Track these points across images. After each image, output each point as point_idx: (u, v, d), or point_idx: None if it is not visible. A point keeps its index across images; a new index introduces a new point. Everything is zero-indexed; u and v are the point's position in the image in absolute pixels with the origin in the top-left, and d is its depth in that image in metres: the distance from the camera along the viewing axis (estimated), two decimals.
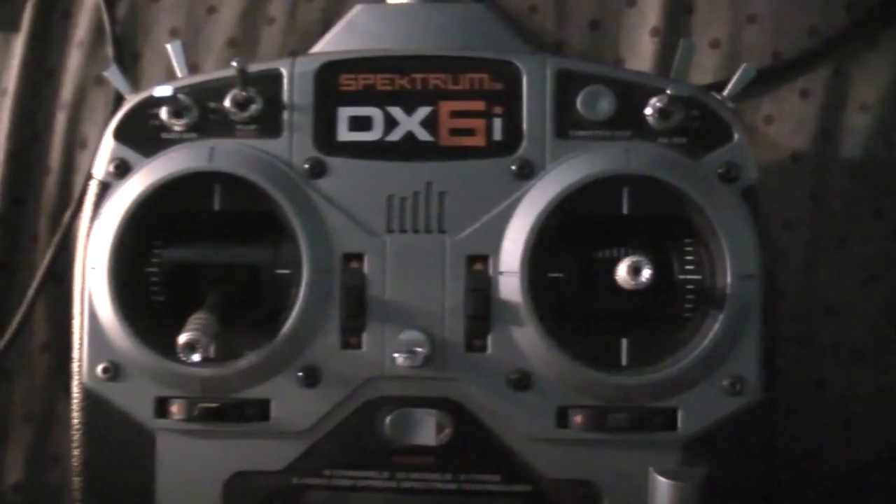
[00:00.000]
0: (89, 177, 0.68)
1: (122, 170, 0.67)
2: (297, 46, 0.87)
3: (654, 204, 0.65)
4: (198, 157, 0.66)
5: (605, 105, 0.65)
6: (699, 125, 0.65)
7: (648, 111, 0.65)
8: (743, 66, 0.66)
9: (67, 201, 0.87)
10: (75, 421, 0.67)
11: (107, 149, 0.68)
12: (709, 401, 0.64)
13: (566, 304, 0.65)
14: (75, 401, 0.67)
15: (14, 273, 0.88)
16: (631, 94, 0.66)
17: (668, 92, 0.64)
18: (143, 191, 0.65)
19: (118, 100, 0.82)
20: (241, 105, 0.67)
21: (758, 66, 0.73)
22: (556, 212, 0.64)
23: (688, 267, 0.65)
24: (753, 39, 0.85)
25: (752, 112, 0.84)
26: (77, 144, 0.89)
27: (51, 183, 0.88)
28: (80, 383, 0.67)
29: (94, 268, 0.66)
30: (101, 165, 0.68)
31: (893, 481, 0.80)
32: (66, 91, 0.89)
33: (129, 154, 0.67)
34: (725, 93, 0.67)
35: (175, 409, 0.65)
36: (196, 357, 0.60)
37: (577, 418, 0.64)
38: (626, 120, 0.65)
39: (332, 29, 0.76)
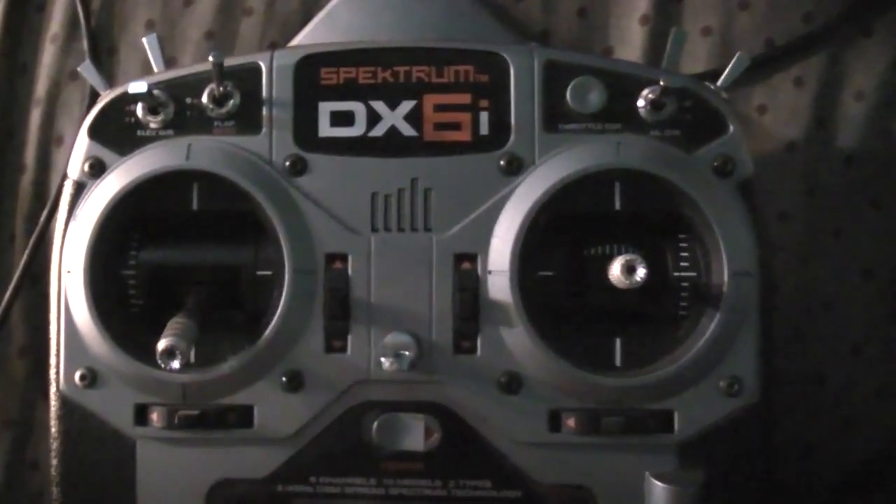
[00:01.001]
0: (65, 176, 0.67)
1: (97, 169, 0.66)
2: (277, 39, 0.85)
3: (647, 199, 0.64)
4: (174, 156, 0.65)
5: (596, 97, 0.64)
6: (693, 117, 0.64)
7: (640, 103, 0.64)
8: (737, 55, 0.66)
9: (44, 200, 0.86)
10: (53, 429, 0.66)
11: (81, 147, 0.67)
12: (706, 402, 0.63)
13: (557, 303, 0.64)
14: (53, 408, 0.66)
15: None
16: (622, 85, 0.65)
17: (661, 83, 0.62)
18: (118, 191, 0.64)
19: (94, 95, 0.80)
20: (218, 101, 0.66)
21: (750, 54, 0.72)
22: (545, 208, 0.63)
23: (682, 264, 0.64)
24: (746, 26, 0.84)
25: (744, 101, 0.83)
26: (53, 141, 0.87)
27: (26, 181, 0.87)
28: (58, 391, 0.66)
29: (69, 271, 0.65)
30: (75, 165, 0.67)
31: (893, 480, 0.79)
32: (41, 87, 0.88)
33: (104, 153, 0.66)
34: (719, 83, 0.66)
35: (155, 416, 0.64)
36: (175, 363, 0.59)
37: (570, 422, 0.63)
38: (617, 112, 0.64)
39: (313, 20, 0.75)
